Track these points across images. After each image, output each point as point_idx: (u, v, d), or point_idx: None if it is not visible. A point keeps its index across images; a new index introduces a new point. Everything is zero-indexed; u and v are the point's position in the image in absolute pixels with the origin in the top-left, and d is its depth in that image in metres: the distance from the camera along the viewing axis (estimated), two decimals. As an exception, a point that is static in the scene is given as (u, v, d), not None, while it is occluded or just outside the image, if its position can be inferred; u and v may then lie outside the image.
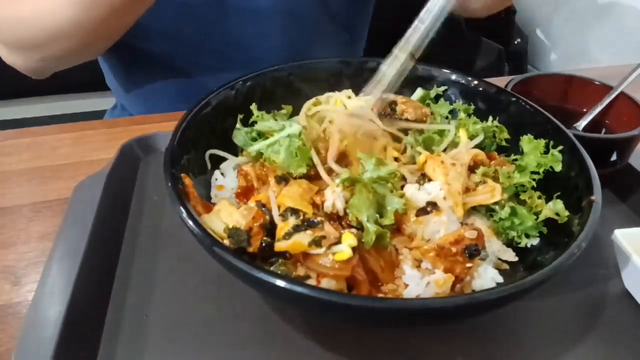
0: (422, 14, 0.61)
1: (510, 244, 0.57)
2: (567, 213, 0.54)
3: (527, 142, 0.62)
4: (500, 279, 0.52)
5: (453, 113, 0.70)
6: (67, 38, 0.73)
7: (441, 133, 0.64)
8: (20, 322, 0.53)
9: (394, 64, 0.64)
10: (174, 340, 0.51)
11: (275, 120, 0.64)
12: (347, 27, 1.04)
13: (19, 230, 0.65)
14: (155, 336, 0.51)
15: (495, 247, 0.55)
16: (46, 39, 0.74)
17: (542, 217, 0.55)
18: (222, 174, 0.62)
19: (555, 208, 0.55)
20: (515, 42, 2.18)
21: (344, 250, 0.48)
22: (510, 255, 0.55)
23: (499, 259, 0.55)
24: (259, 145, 0.61)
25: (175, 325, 0.52)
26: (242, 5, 0.89)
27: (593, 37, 1.93)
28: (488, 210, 0.57)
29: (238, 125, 0.66)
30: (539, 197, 0.57)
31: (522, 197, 0.57)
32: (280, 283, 0.41)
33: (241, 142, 0.65)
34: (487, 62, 2.05)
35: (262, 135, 0.64)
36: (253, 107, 0.65)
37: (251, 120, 0.66)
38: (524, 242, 0.55)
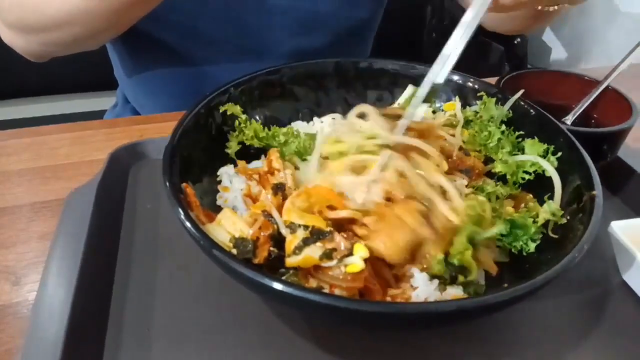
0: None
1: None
2: (562, 212, 0.53)
3: (530, 145, 0.62)
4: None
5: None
6: (73, 26, 0.72)
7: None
8: (20, 323, 0.53)
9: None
10: (177, 350, 0.50)
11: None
12: (360, 33, 1.04)
13: (19, 230, 0.65)
14: (158, 347, 0.50)
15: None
16: (52, 25, 0.73)
17: (540, 220, 0.54)
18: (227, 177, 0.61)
19: (550, 209, 0.54)
20: (515, 43, 2.18)
21: (356, 262, 0.46)
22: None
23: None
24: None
25: (178, 335, 0.51)
26: (260, 3, 0.88)
27: (593, 38, 1.93)
28: None
29: (231, 140, 0.64)
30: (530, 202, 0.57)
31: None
32: (294, 292, 0.40)
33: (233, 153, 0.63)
34: (487, 62, 2.06)
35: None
36: (235, 110, 0.63)
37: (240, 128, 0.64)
38: (532, 247, 0.53)
